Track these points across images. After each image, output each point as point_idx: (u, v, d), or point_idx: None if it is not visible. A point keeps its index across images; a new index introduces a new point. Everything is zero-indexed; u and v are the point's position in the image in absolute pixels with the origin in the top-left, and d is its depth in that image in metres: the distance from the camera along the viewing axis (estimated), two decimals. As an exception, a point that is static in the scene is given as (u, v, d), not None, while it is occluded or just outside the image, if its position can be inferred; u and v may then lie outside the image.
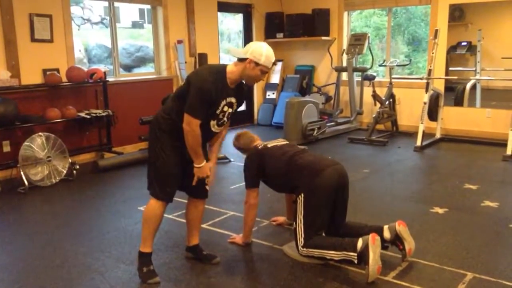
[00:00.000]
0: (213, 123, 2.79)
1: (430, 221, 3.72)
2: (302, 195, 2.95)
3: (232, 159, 5.66)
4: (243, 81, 2.83)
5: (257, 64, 2.70)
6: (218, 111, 2.75)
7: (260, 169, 3.16)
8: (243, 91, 2.89)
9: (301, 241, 2.91)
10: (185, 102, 2.67)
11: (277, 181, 3.19)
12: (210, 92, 2.65)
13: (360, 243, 2.70)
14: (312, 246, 2.87)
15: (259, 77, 2.77)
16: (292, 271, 2.91)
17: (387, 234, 2.96)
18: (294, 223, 2.97)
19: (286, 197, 3.55)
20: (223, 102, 2.74)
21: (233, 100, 2.80)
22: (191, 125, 2.66)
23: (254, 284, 2.79)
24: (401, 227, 2.95)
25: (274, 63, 2.75)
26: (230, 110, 2.82)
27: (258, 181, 3.19)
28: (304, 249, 2.90)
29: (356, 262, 2.71)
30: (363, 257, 2.68)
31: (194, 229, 3.08)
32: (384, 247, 2.99)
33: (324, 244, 2.85)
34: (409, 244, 2.95)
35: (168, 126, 2.78)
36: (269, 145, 3.29)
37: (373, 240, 2.67)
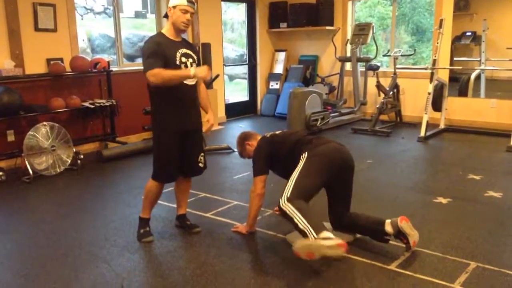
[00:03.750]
0: None
1: (433, 211, 3.72)
2: (306, 153, 2.96)
3: (235, 149, 5.66)
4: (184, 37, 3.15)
5: (174, 7, 2.98)
6: (178, 62, 3.00)
7: (269, 153, 3.16)
8: (191, 43, 3.24)
9: (287, 194, 2.80)
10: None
11: (286, 161, 3.12)
12: (156, 46, 2.93)
13: (324, 235, 2.57)
14: (292, 204, 2.75)
15: (182, 17, 2.98)
16: (296, 259, 2.92)
17: (389, 229, 2.94)
18: (289, 178, 2.91)
19: None
20: (178, 54, 3.01)
21: (187, 51, 3.08)
22: (151, 73, 2.86)
23: (258, 272, 2.81)
24: (403, 223, 2.91)
25: (192, 1, 3.05)
26: (191, 60, 3.08)
27: (267, 168, 3.17)
28: (286, 203, 2.76)
29: (308, 238, 2.59)
30: (317, 241, 2.56)
31: (181, 200, 3.45)
32: (385, 241, 3.01)
33: (302, 208, 2.73)
34: (413, 237, 2.94)
35: (156, 106, 3.10)
36: (277, 132, 3.33)
37: (339, 247, 2.53)
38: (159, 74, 2.87)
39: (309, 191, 2.86)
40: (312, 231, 2.61)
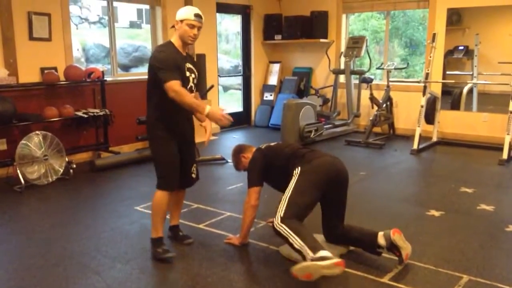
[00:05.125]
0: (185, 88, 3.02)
1: (426, 224, 3.73)
2: (299, 168, 2.97)
3: (229, 160, 5.65)
4: (188, 52, 3.15)
5: (181, 21, 2.97)
6: (186, 75, 3.04)
7: (264, 165, 3.17)
8: (193, 59, 3.26)
9: (280, 213, 2.79)
10: (159, 86, 2.91)
11: (279, 173, 3.12)
12: (170, 56, 2.95)
13: (321, 254, 2.57)
14: (287, 224, 2.75)
15: (188, 32, 2.97)
16: (288, 271, 2.91)
17: (382, 241, 2.94)
18: (283, 195, 2.91)
19: None
20: (186, 67, 3.04)
21: (191, 66, 3.10)
22: (174, 87, 2.85)
23: (251, 284, 2.79)
24: (396, 236, 2.92)
25: (199, 16, 2.99)
26: (193, 76, 3.12)
27: (261, 179, 3.17)
28: (279, 223, 2.75)
29: (305, 259, 2.60)
30: (314, 260, 2.57)
31: (174, 211, 3.41)
32: (377, 253, 3.00)
33: (296, 229, 2.73)
34: (406, 250, 2.94)
35: (158, 116, 3.04)
36: (272, 144, 3.35)
37: (336, 266, 2.53)
38: (180, 93, 2.85)
39: (303, 209, 2.86)
40: (309, 251, 2.61)
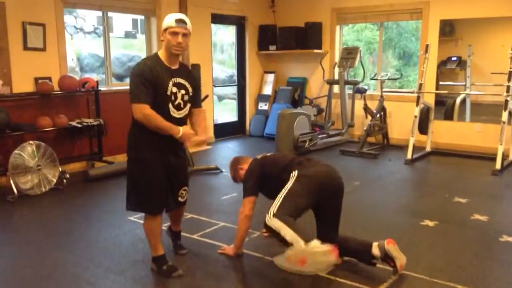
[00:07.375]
0: (170, 107, 2.83)
1: (420, 234, 3.73)
2: (296, 172, 2.97)
3: (223, 170, 5.65)
4: (183, 62, 2.99)
5: (165, 30, 2.81)
6: (168, 92, 2.80)
7: (259, 175, 3.16)
8: (191, 72, 3.06)
9: (273, 210, 2.77)
10: None
11: (275, 183, 3.09)
12: (146, 72, 2.74)
13: (315, 242, 2.57)
14: (278, 217, 2.71)
15: (171, 40, 2.79)
16: (283, 282, 2.91)
17: (376, 252, 2.94)
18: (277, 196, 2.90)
19: None
20: (170, 83, 2.81)
21: (181, 81, 2.87)
22: (142, 111, 2.72)
23: (245, 295, 2.78)
24: (390, 246, 2.91)
25: (182, 21, 2.81)
26: (183, 91, 2.88)
27: (257, 189, 3.17)
28: (271, 218, 2.71)
29: (294, 245, 2.58)
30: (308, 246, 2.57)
31: (176, 221, 3.36)
32: (372, 264, 3.00)
33: (288, 221, 2.70)
34: (400, 260, 2.94)
35: (140, 137, 2.86)
36: (268, 154, 3.36)
37: (331, 252, 2.55)
38: (149, 118, 2.71)
39: (296, 210, 2.82)
40: (302, 241, 2.57)
